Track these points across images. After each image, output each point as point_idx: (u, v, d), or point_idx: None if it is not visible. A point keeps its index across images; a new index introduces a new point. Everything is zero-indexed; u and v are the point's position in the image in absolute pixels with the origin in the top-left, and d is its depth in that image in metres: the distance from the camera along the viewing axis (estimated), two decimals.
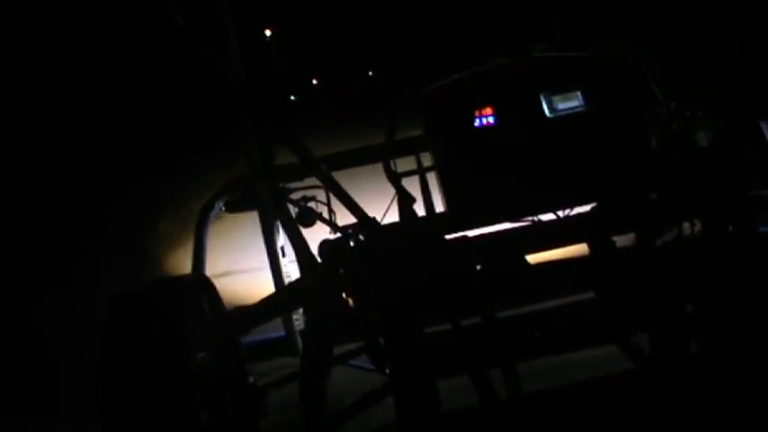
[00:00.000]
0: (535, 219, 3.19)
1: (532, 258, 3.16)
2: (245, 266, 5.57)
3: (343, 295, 3.13)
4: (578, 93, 3.15)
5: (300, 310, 3.56)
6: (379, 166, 3.31)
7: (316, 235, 3.31)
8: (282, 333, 3.66)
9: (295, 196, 3.53)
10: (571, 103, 3.14)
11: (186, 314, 2.91)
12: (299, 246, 3.41)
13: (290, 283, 3.60)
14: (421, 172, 3.39)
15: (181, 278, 3.47)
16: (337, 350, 3.36)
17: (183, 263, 5.36)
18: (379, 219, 3.24)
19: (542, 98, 3.14)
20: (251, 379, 3.31)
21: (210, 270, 3.64)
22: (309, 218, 3.44)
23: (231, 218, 3.99)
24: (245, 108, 3.53)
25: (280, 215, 3.54)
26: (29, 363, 5.06)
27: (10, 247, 6.66)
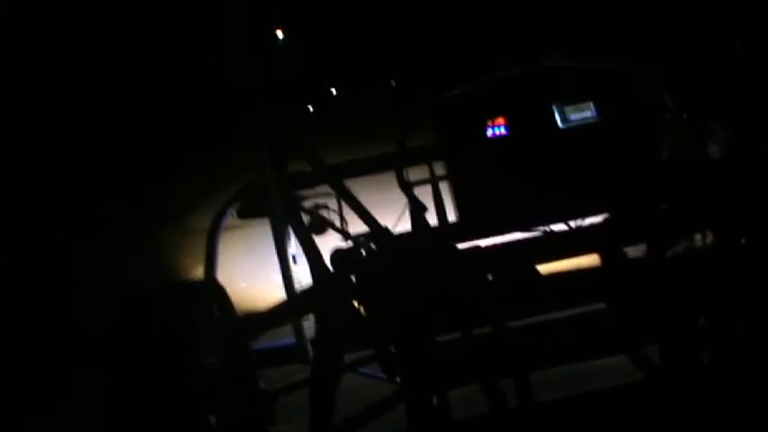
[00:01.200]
0: (547, 229, 3.19)
1: (544, 268, 3.16)
2: None
3: (355, 303, 3.14)
4: (591, 104, 3.16)
5: (311, 318, 3.56)
6: (392, 174, 3.31)
7: (328, 243, 3.32)
8: (293, 340, 3.67)
9: (307, 204, 3.54)
10: (583, 113, 3.16)
11: (195, 318, 2.92)
12: (311, 253, 3.41)
13: (301, 291, 3.61)
14: (433, 181, 3.40)
15: (190, 282, 3.48)
16: (348, 358, 3.36)
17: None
18: (391, 228, 3.24)
19: (555, 109, 3.15)
20: (261, 384, 3.31)
21: None
22: (321, 226, 3.45)
23: None
24: (255, 112, 3.54)
25: (292, 222, 3.54)
26: (32, 362, 5.08)
27: (14, 248, 6.68)
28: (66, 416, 4.29)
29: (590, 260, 3.31)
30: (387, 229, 3.21)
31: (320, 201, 3.52)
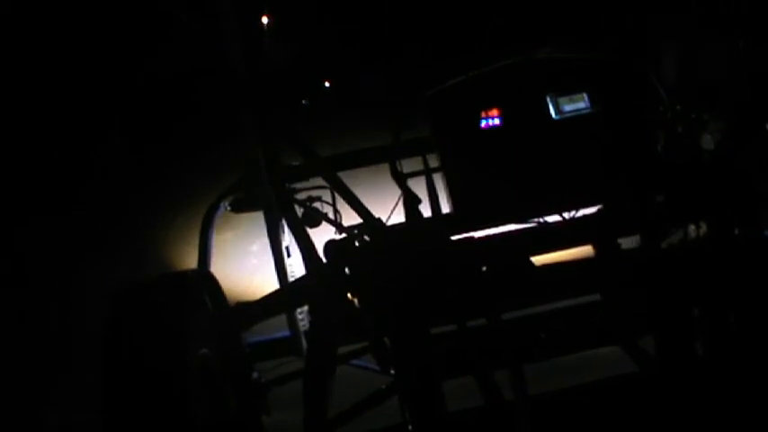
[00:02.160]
0: (541, 220, 3.19)
1: (538, 260, 3.16)
2: None
3: (348, 295, 3.13)
4: (584, 95, 3.15)
5: (305, 310, 3.57)
6: (385, 166, 3.31)
7: (321, 235, 3.32)
8: (287, 333, 3.66)
9: (301, 196, 3.54)
10: (577, 104, 3.15)
11: (189, 309, 2.92)
12: (305, 246, 3.41)
13: (294, 281, 3.61)
14: (427, 173, 3.39)
15: (183, 273, 3.48)
16: (342, 350, 3.36)
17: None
18: (384, 219, 3.24)
19: (548, 100, 3.14)
20: (254, 375, 3.31)
21: None
22: (315, 218, 3.45)
23: None
24: (248, 104, 3.53)
25: (285, 215, 3.54)
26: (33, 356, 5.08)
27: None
28: (66, 407, 4.30)
29: (584, 251, 3.31)
30: (380, 221, 3.21)
31: (314, 193, 3.53)
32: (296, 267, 3.65)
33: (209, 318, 3.05)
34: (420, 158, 3.51)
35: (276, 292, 3.50)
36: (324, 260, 3.18)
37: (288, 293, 3.54)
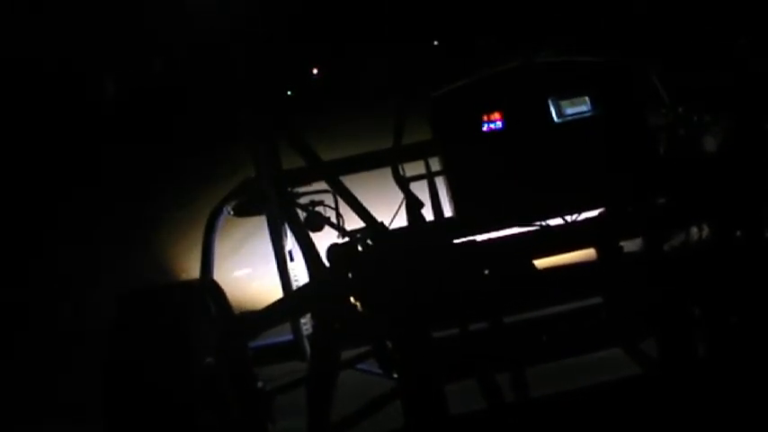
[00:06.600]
0: (543, 223, 3.19)
1: (540, 263, 3.16)
2: None
3: (351, 299, 3.14)
4: (586, 98, 3.16)
5: (308, 314, 3.57)
6: (388, 170, 3.31)
7: (324, 239, 3.32)
8: (290, 337, 3.66)
9: (303, 200, 3.54)
10: (579, 108, 3.15)
11: (193, 318, 2.92)
12: (308, 250, 3.41)
13: (299, 288, 3.60)
14: (429, 176, 3.40)
15: (188, 282, 3.48)
16: (345, 354, 3.37)
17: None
18: (387, 223, 3.25)
19: (550, 103, 3.15)
20: (259, 384, 3.31)
21: None
22: (318, 222, 3.45)
23: None
24: (250, 106, 3.55)
25: (288, 219, 3.55)
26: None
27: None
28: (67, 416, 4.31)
29: (586, 254, 3.31)
30: (383, 225, 3.22)
31: (316, 197, 3.53)
32: (299, 271, 3.66)
33: (213, 326, 3.05)
34: (422, 162, 3.52)
35: (281, 300, 3.50)
36: (326, 264, 3.18)
37: (292, 303, 3.53)
